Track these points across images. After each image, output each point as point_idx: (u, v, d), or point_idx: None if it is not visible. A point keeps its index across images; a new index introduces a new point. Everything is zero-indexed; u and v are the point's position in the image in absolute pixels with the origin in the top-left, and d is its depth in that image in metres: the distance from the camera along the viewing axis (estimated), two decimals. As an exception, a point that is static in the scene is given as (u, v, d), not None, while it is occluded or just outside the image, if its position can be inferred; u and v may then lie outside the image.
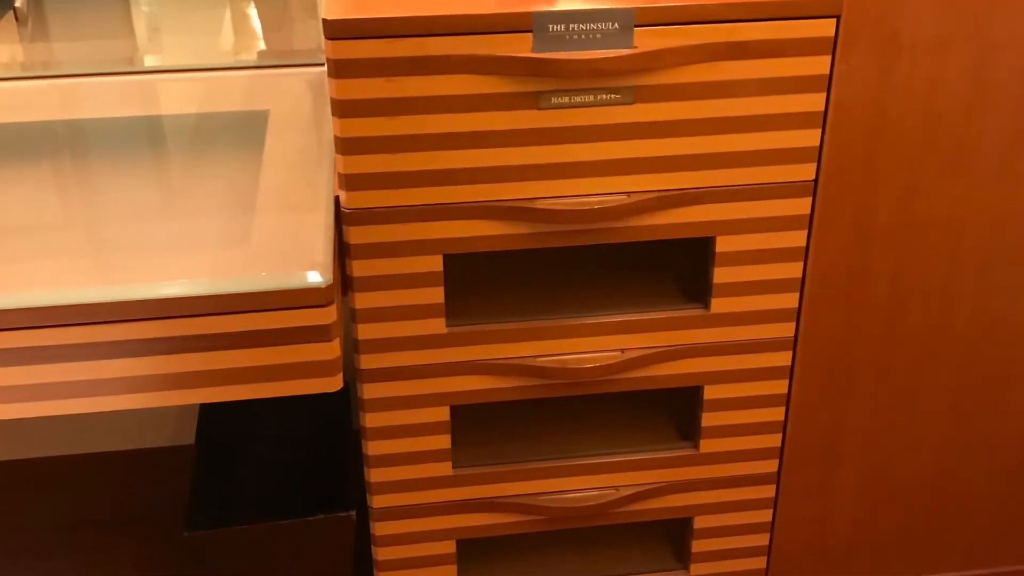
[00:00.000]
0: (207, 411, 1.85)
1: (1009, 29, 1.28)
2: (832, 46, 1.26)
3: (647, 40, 1.21)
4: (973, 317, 1.46)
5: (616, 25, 1.20)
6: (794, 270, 1.38)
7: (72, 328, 1.13)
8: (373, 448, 1.42)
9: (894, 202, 1.36)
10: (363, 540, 1.55)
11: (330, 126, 1.26)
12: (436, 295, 1.33)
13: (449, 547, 1.52)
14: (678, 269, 1.50)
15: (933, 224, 1.38)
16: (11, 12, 1.69)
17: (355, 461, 1.54)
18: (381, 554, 1.51)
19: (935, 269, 1.42)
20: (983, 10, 1.26)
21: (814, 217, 1.35)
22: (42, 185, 1.38)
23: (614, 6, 1.20)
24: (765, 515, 1.57)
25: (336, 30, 1.17)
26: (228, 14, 1.79)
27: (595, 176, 1.28)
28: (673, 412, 1.58)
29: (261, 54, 1.67)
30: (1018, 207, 1.39)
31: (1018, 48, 1.29)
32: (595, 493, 1.50)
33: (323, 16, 1.17)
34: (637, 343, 1.40)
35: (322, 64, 1.22)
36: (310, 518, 1.59)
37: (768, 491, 1.54)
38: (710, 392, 1.45)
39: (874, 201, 1.35)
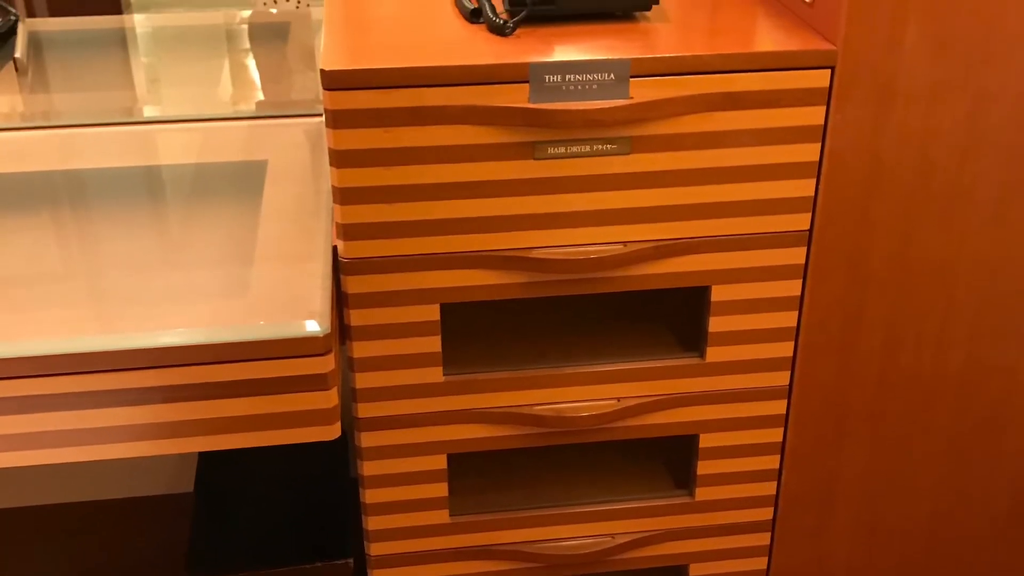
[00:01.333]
0: (206, 459, 1.85)
1: (1002, 79, 1.29)
2: (827, 97, 1.27)
3: (643, 91, 1.22)
4: (967, 363, 1.46)
5: (612, 76, 1.21)
6: (789, 319, 1.38)
7: (71, 377, 1.13)
8: (371, 496, 1.42)
9: (889, 250, 1.36)
10: (360, 588, 1.55)
11: (328, 176, 1.26)
12: (433, 344, 1.33)
13: (446, 595, 1.52)
14: (674, 318, 1.51)
15: (927, 271, 1.39)
16: (11, 62, 1.70)
17: (353, 509, 1.54)
18: (378, 602, 1.51)
19: (929, 316, 1.42)
20: (976, 60, 1.27)
21: (809, 266, 1.36)
22: (41, 235, 1.38)
23: (610, 57, 1.21)
24: (760, 563, 1.56)
25: (334, 81, 1.18)
26: (227, 65, 1.80)
27: (591, 226, 1.29)
28: (668, 460, 1.58)
29: (260, 104, 1.68)
30: (1011, 254, 1.40)
31: (1011, 97, 1.30)
32: (591, 541, 1.50)
33: (321, 67, 1.18)
34: (633, 392, 1.40)
35: (320, 114, 1.23)
36: (308, 566, 1.58)
37: (763, 539, 1.54)
38: (705, 440, 1.45)
39: (869, 249, 1.35)
